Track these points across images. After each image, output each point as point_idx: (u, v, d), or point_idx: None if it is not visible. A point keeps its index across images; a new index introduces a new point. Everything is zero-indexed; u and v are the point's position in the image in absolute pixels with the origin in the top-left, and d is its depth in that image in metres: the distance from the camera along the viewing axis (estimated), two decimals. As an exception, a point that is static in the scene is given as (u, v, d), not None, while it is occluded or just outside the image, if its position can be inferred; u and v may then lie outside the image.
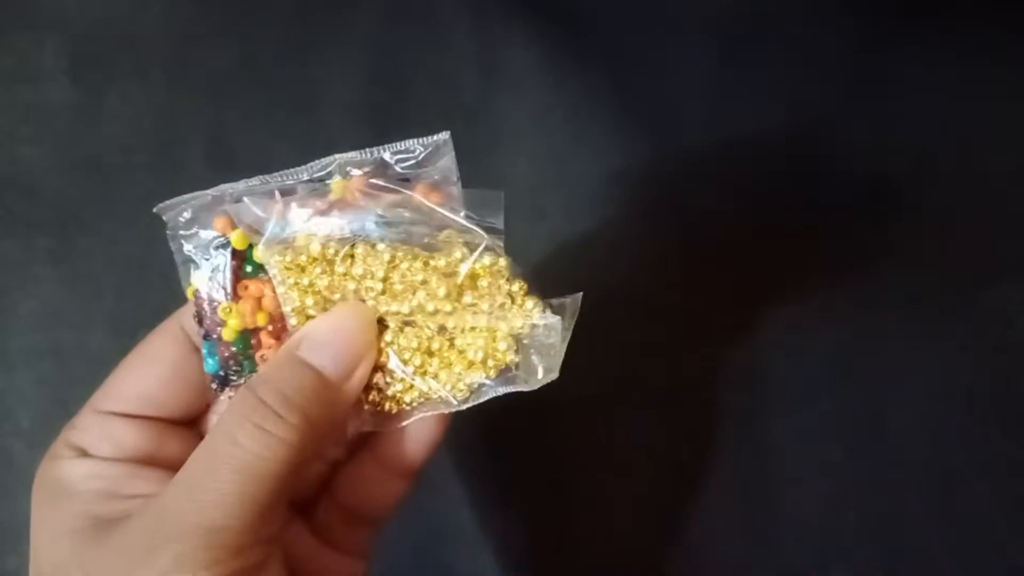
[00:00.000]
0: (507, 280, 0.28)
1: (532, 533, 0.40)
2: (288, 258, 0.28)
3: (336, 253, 0.28)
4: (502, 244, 0.27)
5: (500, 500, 0.40)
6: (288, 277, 0.28)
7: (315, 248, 0.27)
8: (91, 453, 0.29)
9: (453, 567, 0.40)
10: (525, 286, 0.28)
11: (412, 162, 0.27)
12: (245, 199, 0.28)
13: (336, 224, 0.27)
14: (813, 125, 0.42)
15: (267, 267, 0.28)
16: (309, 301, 0.28)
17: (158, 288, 0.40)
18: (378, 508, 0.31)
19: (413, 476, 0.30)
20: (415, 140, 0.27)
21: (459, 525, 0.40)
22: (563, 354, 0.27)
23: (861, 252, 0.41)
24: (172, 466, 0.29)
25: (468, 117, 0.42)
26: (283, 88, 0.43)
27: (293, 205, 0.27)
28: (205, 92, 0.43)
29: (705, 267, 0.41)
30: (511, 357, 0.28)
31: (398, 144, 0.27)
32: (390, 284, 0.27)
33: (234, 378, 0.30)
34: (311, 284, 0.28)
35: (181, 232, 0.29)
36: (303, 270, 0.28)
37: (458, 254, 0.27)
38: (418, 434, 0.29)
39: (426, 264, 0.27)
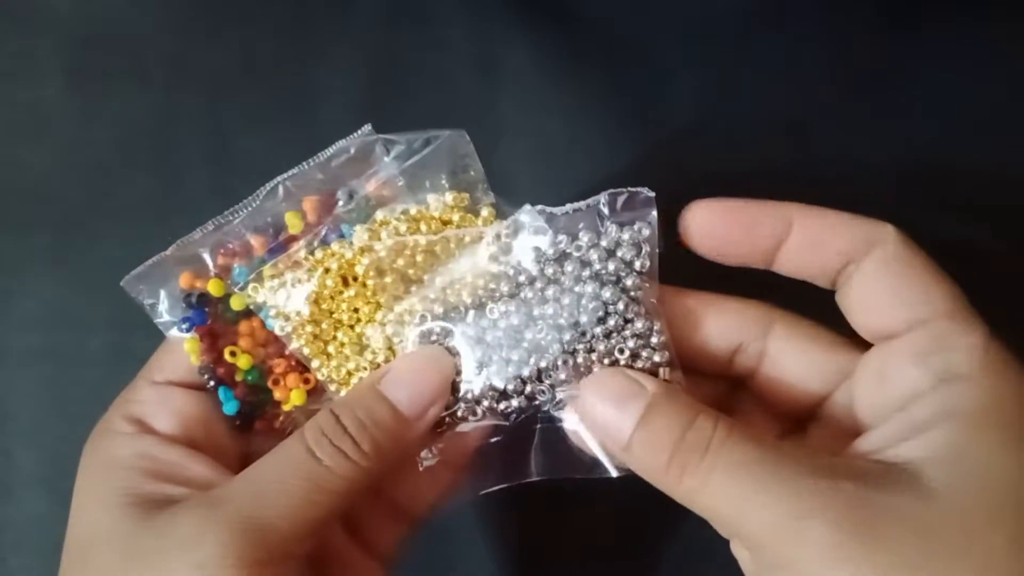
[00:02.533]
0: (465, 215, 0.30)
1: (530, 529, 0.40)
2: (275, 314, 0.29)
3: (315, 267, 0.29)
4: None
5: (499, 496, 0.40)
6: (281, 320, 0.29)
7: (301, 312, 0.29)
8: (150, 424, 0.29)
9: (451, 563, 0.40)
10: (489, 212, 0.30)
11: (344, 158, 0.30)
12: (205, 258, 0.30)
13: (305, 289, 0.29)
14: (814, 125, 0.42)
15: (255, 308, 0.29)
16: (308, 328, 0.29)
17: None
18: (421, 500, 0.31)
19: (462, 467, 0.31)
20: (343, 140, 0.30)
21: (458, 522, 0.40)
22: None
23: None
24: (225, 452, 0.30)
25: (467, 117, 0.42)
26: (282, 89, 0.43)
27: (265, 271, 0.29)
28: (204, 93, 0.43)
29: (704, 266, 0.41)
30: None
31: (326, 151, 0.30)
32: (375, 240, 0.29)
33: (256, 412, 0.31)
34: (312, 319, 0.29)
35: (152, 301, 0.31)
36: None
37: (431, 199, 0.30)
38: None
39: (404, 215, 0.30)
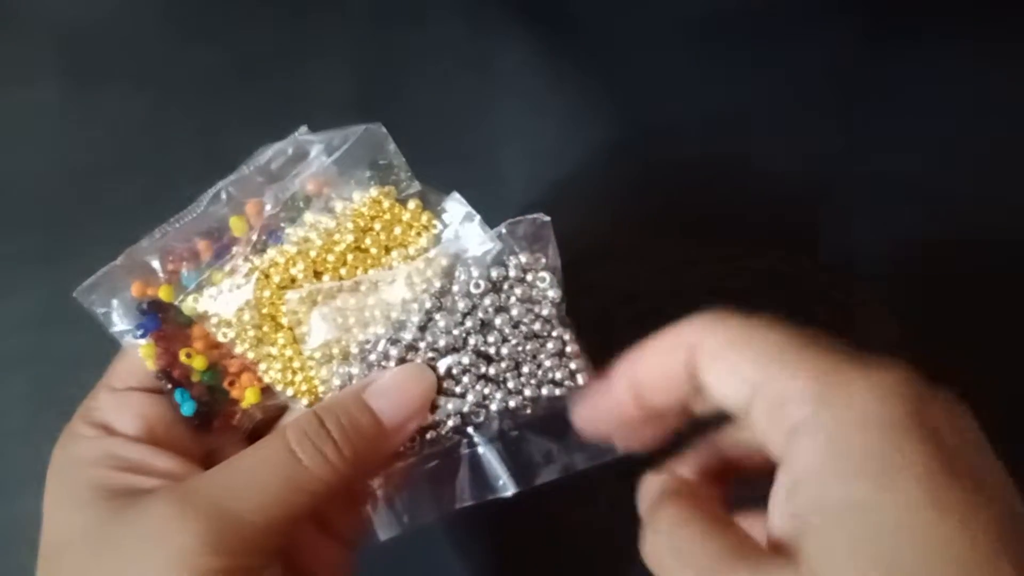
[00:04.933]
0: (394, 204, 0.30)
1: (522, 528, 0.41)
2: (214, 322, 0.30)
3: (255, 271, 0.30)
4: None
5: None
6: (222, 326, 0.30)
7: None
8: (113, 427, 0.30)
9: (444, 563, 0.40)
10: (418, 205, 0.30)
11: (282, 161, 0.30)
12: (155, 265, 0.30)
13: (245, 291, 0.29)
14: (812, 126, 0.42)
15: (197, 318, 0.30)
16: (249, 332, 0.30)
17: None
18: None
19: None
20: (280, 143, 0.31)
21: (445, 521, 0.40)
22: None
23: (861, 251, 0.42)
24: (188, 452, 0.30)
25: (463, 118, 0.43)
26: (279, 89, 0.43)
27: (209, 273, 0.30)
28: (201, 93, 0.43)
29: (702, 267, 0.42)
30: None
31: (265, 154, 0.31)
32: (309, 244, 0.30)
33: (214, 411, 0.31)
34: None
35: (105, 310, 0.31)
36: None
37: (356, 195, 0.30)
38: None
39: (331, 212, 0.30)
